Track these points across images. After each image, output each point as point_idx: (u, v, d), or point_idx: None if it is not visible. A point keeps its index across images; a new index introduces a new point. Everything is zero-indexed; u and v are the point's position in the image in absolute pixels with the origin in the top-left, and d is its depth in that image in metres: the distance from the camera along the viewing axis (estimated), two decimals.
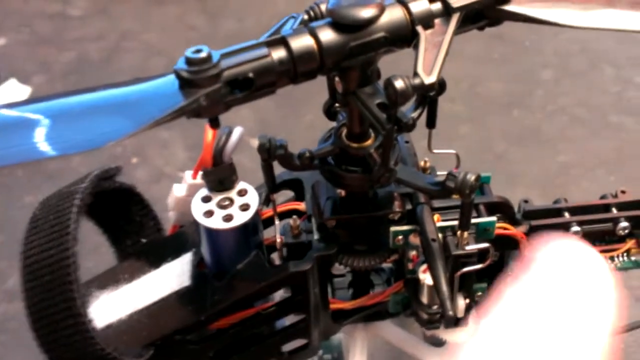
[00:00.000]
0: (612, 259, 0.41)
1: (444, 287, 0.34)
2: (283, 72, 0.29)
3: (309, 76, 0.29)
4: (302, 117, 0.98)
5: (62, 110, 0.30)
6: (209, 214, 0.35)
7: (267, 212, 0.39)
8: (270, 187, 0.36)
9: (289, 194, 0.41)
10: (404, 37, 0.30)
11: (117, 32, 1.14)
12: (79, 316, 0.32)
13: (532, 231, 0.40)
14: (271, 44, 0.29)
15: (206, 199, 0.35)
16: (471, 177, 0.33)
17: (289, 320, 0.40)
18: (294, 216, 0.38)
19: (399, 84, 0.28)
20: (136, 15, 1.17)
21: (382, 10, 0.30)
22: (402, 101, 0.29)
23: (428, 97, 0.35)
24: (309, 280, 0.36)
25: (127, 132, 0.27)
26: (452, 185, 0.33)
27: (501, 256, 0.40)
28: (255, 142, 0.34)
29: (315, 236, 0.37)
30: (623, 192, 0.41)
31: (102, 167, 0.36)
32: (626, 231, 0.40)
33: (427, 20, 0.30)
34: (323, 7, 0.31)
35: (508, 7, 0.32)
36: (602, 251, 0.41)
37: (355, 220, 0.36)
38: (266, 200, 0.38)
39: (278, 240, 0.37)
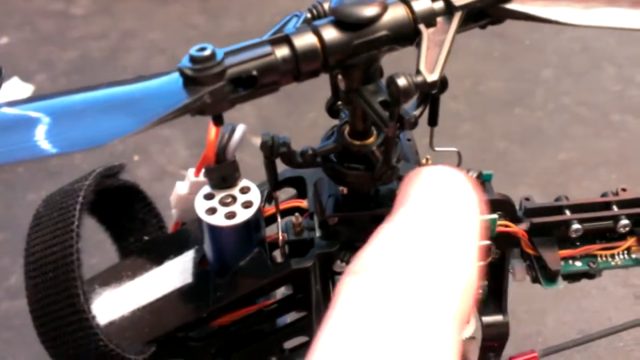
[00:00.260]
0: (612, 256, 0.41)
1: None
2: (286, 70, 0.29)
3: (312, 74, 0.30)
4: (304, 115, 0.99)
5: (66, 108, 0.30)
6: (212, 211, 0.35)
7: (270, 209, 0.39)
8: (273, 185, 0.37)
9: (291, 191, 0.41)
10: (407, 35, 0.30)
11: (119, 30, 1.14)
12: (83, 312, 0.32)
13: (533, 229, 0.40)
14: (275, 42, 0.29)
15: (209, 197, 0.36)
16: (473, 175, 0.33)
17: (290, 317, 0.40)
18: (296, 213, 0.38)
19: (401, 81, 0.28)
20: (138, 14, 1.17)
21: (384, 8, 0.30)
22: (404, 99, 0.29)
23: (430, 95, 0.36)
24: (311, 277, 0.36)
25: (131, 129, 0.27)
26: None
27: (502, 254, 0.40)
28: (257, 140, 0.34)
29: (317, 233, 0.37)
30: (624, 189, 0.42)
31: (105, 165, 0.37)
32: (627, 229, 0.41)
33: (429, 19, 0.30)
34: (326, 5, 0.32)
35: (510, 6, 0.32)
36: (603, 248, 0.41)
37: (357, 217, 0.36)
38: (268, 198, 0.38)
39: (280, 237, 0.37)
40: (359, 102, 0.32)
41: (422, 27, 0.30)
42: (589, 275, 0.42)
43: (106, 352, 0.32)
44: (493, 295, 0.41)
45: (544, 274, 0.41)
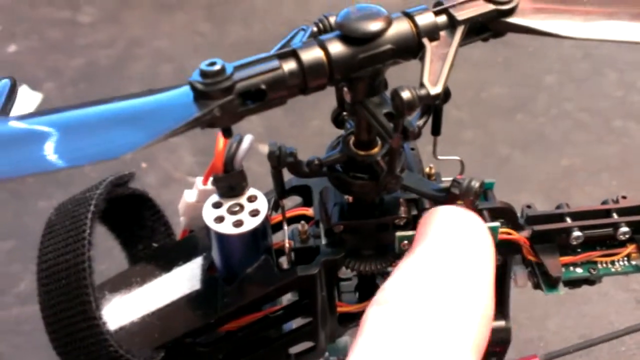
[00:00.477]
0: (612, 263, 0.42)
1: None
2: (294, 84, 0.29)
3: (318, 88, 0.30)
4: (309, 124, 0.99)
5: (76, 122, 0.30)
6: (220, 219, 0.36)
7: (276, 217, 0.39)
8: (280, 193, 0.37)
9: (298, 199, 0.42)
10: (411, 49, 0.31)
11: (126, 38, 1.15)
12: (94, 319, 0.33)
13: (534, 236, 0.41)
14: (282, 56, 0.29)
15: (217, 205, 0.36)
16: (475, 184, 0.34)
17: (296, 323, 0.40)
18: (302, 221, 0.39)
19: (405, 94, 0.29)
20: (145, 22, 1.18)
21: (389, 23, 0.31)
22: (408, 112, 0.29)
23: (433, 105, 0.36)
24: (317, 284, 0.37)
25: (142, 142, 0.28)
26: (457, 192, 0.34)
27: (504, 260, 0.41)
28: (264, 148, 0.35)
29: (323, 241, 0.38)
30: (624, 197, 0.42)
31: (116, 174, 0.37)
32: (627, 236, 0.41)
33: (432, 33, 0.31)
34: (332, 19, 0.32)
35: (511, 20, 0.32)
36: (603, 255, 0.42)
37: (362, 225, 0.37)
38: (275, 206, 0.39)
39: (287, 244, 0.38)
40: (363, 114, 0.32)
41: (425, 41, 0.31)
42: (589, 281, 0.42)
43: (117, 357, 0.33)
44: (495, 301, 0.42)
45: (545, 280, 0.41)
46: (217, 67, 0.28)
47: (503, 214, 0.40)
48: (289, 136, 0.97)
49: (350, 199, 0.37)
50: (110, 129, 0.30)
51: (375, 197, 0.37)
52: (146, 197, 0.40)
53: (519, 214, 0.41)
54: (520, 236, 0.40)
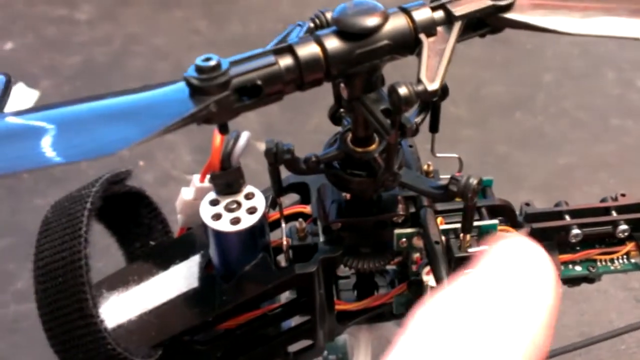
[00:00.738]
0: (612, 261, 0.42)
1: None
2: (290, 79, 0.29)
3: (315, 83, 0.30)
4: (307, 121, 0.99)
5: (72, 118, 0.30)
6: (217, 217, 0.36)
7: (274, 215, 0.39)
8: (277, 191, 0.37)
9: (295, 197, 0.41)
10: (408, 44, 0.31)
11: (123, 36, 1.15)
12: (91, 317, 0.32)
13: (533, 234, 0.40)
14: (278, 52, 0.29)
15: (214, 202, 0.36)
16: (473, 181, 0.33)
17: (294, 321, 0.40)
18: (300, 219, 0.39)
19: (402, 90, 0.29)
20: (142, 20, 1.18)
21: (386, 18, 0.30)
22: (405, 108, 0.29)
23: (431, 102, 0.36)
24: (315, 282, 0.37)
25: (138, 138, 0.27)
26: (455, 189, 0.34)
27: None
28: (261, 145, 0.34)
29: (321, 239, 0.38)
30: (623, 195, 0.42)
31: (112, 171, 0.37)
32: (626, 234, 0.41)
33: (429, 28, 0.31)
34: (328, 15, 0.32)
35: (509, 15, 0.32)
36: (602, 253, 0.42)
37: (360, 223, 0.37)
38: (273, 203, 0.39)
39: (284, 242, 0.38)
40: (361, 111, 0.32)
41: (422, 36, 0.31)
42: (588, 279, 0.42)
43: (114, 355, 0.33)
44: None
45: None
46: (212, 63, 0.28)
47: (502, 212, 0.40)
48: (287, 133, 0.97)
49: (348, 196, 0.37)
50: (106, 125, 0.29)
51: (373, 194, 0.37)
52: (143, 194, 0.40)
53: (517, 212, 0.41)
54: (519, 234, 0.40)
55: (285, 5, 1.20)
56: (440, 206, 0.38)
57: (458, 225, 0.36)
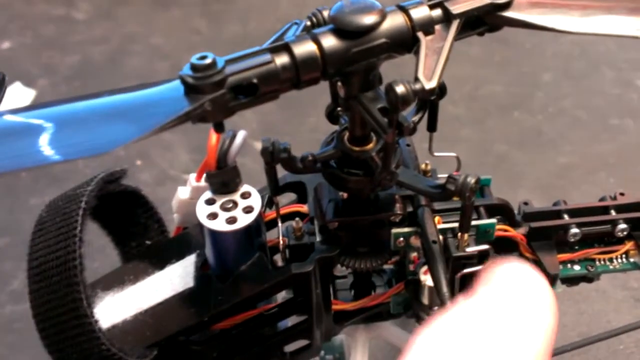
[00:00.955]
0: (611, 260, 0.42)
1: (445, 289, 0.35)
2: (286, 78, 0.29)
3: (312, 82, 0.30)
4: (304, 120, 0.99)
5: (68, 116, 0.30)
6: (213, 216, 0.35)
7: (270, 214, 0.39)
8: (273, 190, 0.37)
9: (292, 196, 0.41)
10: (405, 43, 0.31)
11: (121, 35, 1.15)
12: (86, 317, 0.32)
13: (532, 233, 0.40)
14: (274, 50, 0.29)
15: (210, 202, 0.36)
16: (471, 180, 0.33)
17: (291, 321, 0.40)
18: (297, 218, 0.39)
19: (400, 89, 0.29)
20: (140, 19, 1.17)
21: (383, 16, 0.30)
22: (403, 106, 0.29)
23: (429, 101, 0.36)
24: (311, 281, 0.37)
25: (134, 136, 0.27)
26: (453, 188, 0.34)
27: None
28: (258, 144, 0.34)
29: (318, 238, 0.38)
30: (622, 194, 0.42)
31: (108, 170, 0.37)
32: (625, 233, 0.41)
33: (427, 27, 0.31)
34: (325, 13, 0.32)
35: (507, 14, 0.32)
36: (601, 252, 0.41)
37: (357, 222, 0.37)
38: (269, 203, 0.39)
39: (281, 242, 0.38)
40: (358, 109, 0.32)
41: (420, 34, 0.31)
42: (587, 279, 0.42)
43: (109, 356, 0.33)
44: None
45: None
46: (208, 61, 0.27)
47: (500, 211, 0.40)
48: (284, 133, 0.97)
49: (345, 195, 0.37)
50: (101, 123, 0.29)
51: (370, 193, 0.36)
52: (139, 194, 0.39)
53: (516, 211, 0.41)
54: (517, 233, 0.40)
55: (285, 5, 1.20)
56: (437, 205, 0.38)
57: (456, 225, 0.36)
